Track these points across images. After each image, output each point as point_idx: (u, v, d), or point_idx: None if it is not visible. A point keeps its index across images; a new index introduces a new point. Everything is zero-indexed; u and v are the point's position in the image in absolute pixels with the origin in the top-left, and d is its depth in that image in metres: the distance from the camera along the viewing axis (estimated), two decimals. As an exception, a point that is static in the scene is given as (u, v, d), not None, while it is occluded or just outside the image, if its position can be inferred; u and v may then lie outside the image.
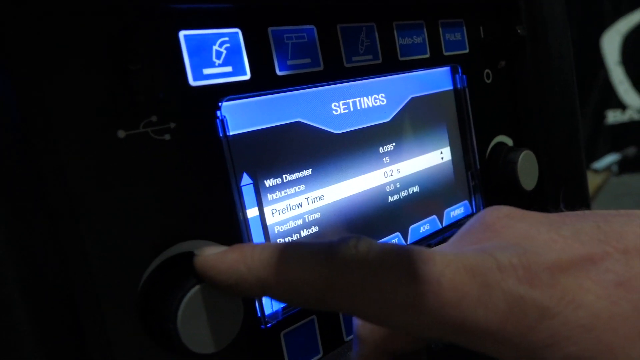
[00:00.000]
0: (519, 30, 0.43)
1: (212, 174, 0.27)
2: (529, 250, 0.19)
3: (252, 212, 0.29)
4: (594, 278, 0.18)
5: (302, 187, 0.32)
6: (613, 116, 2.55)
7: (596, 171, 1.38)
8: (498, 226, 0.21)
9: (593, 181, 1.33)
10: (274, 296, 0.22)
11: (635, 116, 2.51)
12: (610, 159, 1.45)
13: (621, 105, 2.54)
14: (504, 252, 0.19)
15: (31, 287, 0.21)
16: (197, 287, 0.24)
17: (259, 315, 0.29)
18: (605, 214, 0.21)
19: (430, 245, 0.39)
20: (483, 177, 0.43)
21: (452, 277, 0.19)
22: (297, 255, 0.21)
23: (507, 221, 0.21)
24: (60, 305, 0.22)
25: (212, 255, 0.23)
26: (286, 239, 0.31)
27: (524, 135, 0.46)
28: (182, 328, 0.23)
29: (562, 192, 0.43)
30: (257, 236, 0.29)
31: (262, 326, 0.29)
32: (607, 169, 1.42)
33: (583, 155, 0.46)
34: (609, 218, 0.20)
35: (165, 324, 0.23)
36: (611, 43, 2.45)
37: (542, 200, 0.46)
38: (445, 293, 0.18)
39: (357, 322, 0.26)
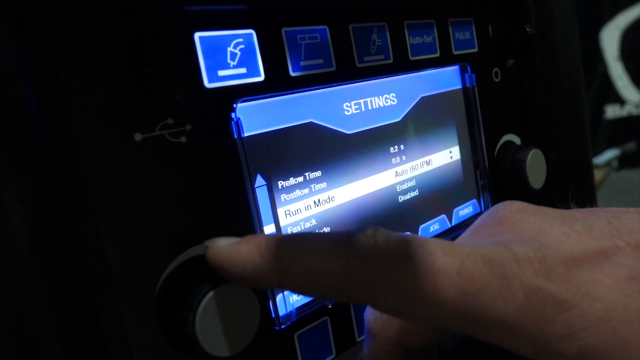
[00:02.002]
0: (527, 29, 0.43)
1: (227, 175, 0.27)
2: (544, 244, 0.19)
3: (265, 214, 0.29)
4: (607, 272, 0.18)
5: (315, 187, 0.32)
6: (612, 111, 2.56)
7: (596, 166, 1.38)
8: (511, 220, 0.22)
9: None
10: (290, 287, 0.22)
11: (634, 111, 2.52)
12: (610, 154, 1.46)
13: (620, 100, 2.54)
14: (521, 245, 0.19)
15: (54, 291, 0.21)
16: (214, 291, 0.24)
17: (273, 316, 0.29)
18: (616, 210, 0.21)
19: (440, 245, 0.39)
20: (491, 176, 0.43)
21: (472, 268, 0.19)
22: (315, 245, 0.21)
23: (520, 216, 0.22)
24: (82, 307, 0.22)
25: (225, 247, 0.23)
26: (299, 240, 0.31)
27: (532, 134, 0.46)
28: (200, 332, 0.23)
29: (571, 190, 0.44)
30: (271, 237, 0.29)
31: (277, 327, 0.29)
32: (607, 164, 1.42)
33: (590, 153, 0.46)
34: (619, 215, 0.20)
35: (183, 327, 0.24)
36: (610, 38, 2.45)
37: (550, 198, 0.46)
38: (466, 284, 0.19)
39: (369, 317, 0.26)
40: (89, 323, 0.22)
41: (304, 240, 0.21)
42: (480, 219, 0.23)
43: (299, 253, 0.21)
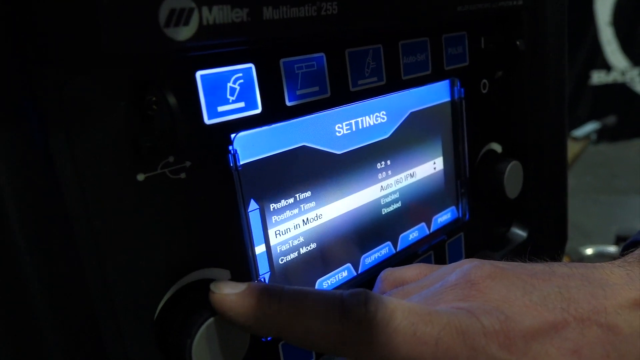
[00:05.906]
0: (518, 44, 0.44)
1: (222, 202, 0.29)
2: (509, 316, 0.23)
3: (257, 236, 0.31)
4: (556, 345, 0.22)
5: (304, 207, 0.34)
6: (597, 77, 2.57)
7: (575, 139, 1.42)
8: (482, 286, 0.25)
9: (572, 149, 1.36)
10: (289, 342, 0.25)
11: (619, 78, 2.54)
12: (590, 127, 1.49)
13: (606, 66, 2.55)
14: (489, 317, 0.23)
15: (59, 319, 0.23)
16: (210, 321, 0.26)
17: (260, 328, 0.32)
18: (565, 275, 0.25)
19: (417, 254, 0.42)
20: (471, 184, 0.46)
21: (447, 339, 0.22)
22: (313, 308, 0.24)
23: (489, 282, 0.25)
24: (85, 332, 0.24)
25: (231, 296, 0.25)
26: (287, 257, 0.33)
27: (514, 144, 0.48)
28: (196, 357, 0.26)
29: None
30: (261, 259, 0.32)
31: (263, 339, 0.32)
32: (587, 137, 1.46)
33: (566, 168, 0.48)
34: (567, 282, 0.24)
35: (181, 352, 0.26)
36: (604, 3, 2.43)
37: (523, 207, 0.48)
38: (441, 354, 0.22)
39: None
40: (94, 350, 0.24)
41: (304, 302, 0.24)
42: (454, 276, 0.26)
43: (299, 315, 0.24)
